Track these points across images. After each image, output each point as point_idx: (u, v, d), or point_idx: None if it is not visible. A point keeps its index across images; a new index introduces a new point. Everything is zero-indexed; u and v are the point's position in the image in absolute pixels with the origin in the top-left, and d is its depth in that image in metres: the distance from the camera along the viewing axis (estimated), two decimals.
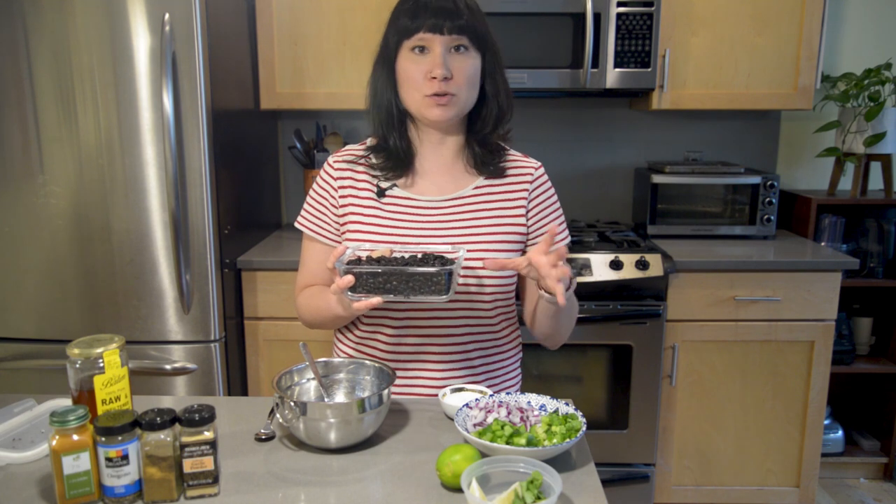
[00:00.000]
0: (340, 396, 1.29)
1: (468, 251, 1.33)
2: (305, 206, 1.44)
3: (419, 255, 1.23)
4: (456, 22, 1.25)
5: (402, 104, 1.34)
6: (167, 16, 2.03)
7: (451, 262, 1.19)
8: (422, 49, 1.28)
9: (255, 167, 2.65)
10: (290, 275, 2.37)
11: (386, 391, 1.16)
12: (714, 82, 2.57)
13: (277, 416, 1.14)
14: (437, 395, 1.36)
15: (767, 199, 2.63)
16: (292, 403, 1.11)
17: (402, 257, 1.23)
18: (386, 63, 1.33)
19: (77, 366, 1.07)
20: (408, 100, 1.32)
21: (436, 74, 1.26)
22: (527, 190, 1.39)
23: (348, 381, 1.30)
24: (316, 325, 1.42)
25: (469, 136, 1.38)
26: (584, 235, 2.57)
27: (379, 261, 1.21)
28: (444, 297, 1.17)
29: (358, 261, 1.21)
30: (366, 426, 1.15)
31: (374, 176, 1.38)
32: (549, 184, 1.43)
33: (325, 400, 1.26)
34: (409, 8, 1.28)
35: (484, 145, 1.38)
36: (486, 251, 1.33)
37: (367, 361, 1.30)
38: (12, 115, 2.13)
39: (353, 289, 1.19)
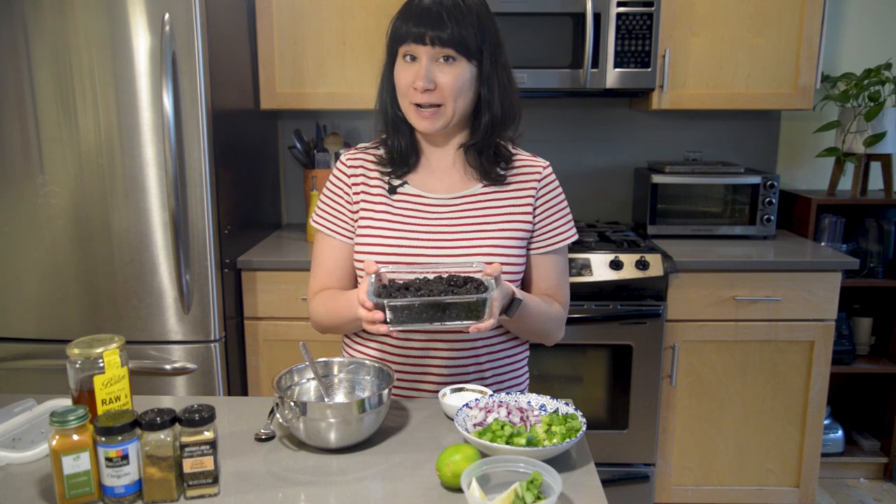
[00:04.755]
0: (340, 396, 1.29)
1: (477, 248, 1.34)
2: (319, 204, 1.45)
3: (444, 276, 1.21)
4: (438, 33, 1.26)
5: (399, 108, 1.36)
6: (167, 16, 2.03)
7: (483, 285, 1.17)
8: (412, 57, 1.30)
9: (255, 167, 2.65)
10: (290, 275, 2.37)
11: (386, 391, 1.16)
12: (714, 82, 2.57)
13: (277, 416, 1.14)
14: (439, 394, 1.36)
15: (767, 199, 2.63)
16: (292, 403, 1.11)
17: (426, 279, 1.21)
18: (387, 66, 1.36)
19: (77, 366, 1.08)
20: (401, 105, 1.35)
21: (417, 85, 1.28)
22: (534, 188, 1.40)
23: (348, 381, 1.30)
24: (331, 329, 1.42)
25: (468, 143, 1.39)
26: (584, 235, 2.57)
27: (409, 287, 1.18)
28: (482, 323, 1.15)
29: (386, 287, 1.19)
30: (366, 426, 1.15)
31: (384, 173, 1.40)
32: (556, 183, 1.43)
33: (325, 400, 1.26)
34: (402, 12, 1.31)
35: (482, 153, 1.38)
36: (494, 248, 1.34)
37: (367, 361, 1.30)
38: (12, 115, 2.13)
39: (387, 321, 1.16)
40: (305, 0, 2.52)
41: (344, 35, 2.55)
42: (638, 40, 2.46)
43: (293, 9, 2.53)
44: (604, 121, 2.94)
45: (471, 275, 1.21)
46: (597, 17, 2.43)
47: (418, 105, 1.30)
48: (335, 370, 1.30)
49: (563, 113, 2.93)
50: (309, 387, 1.27)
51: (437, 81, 1.28)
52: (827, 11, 2.67)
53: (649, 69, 2.48)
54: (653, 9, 2.43)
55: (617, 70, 2.48)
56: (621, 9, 2.43)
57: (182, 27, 2.05)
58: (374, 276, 1.21)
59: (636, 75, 2.49)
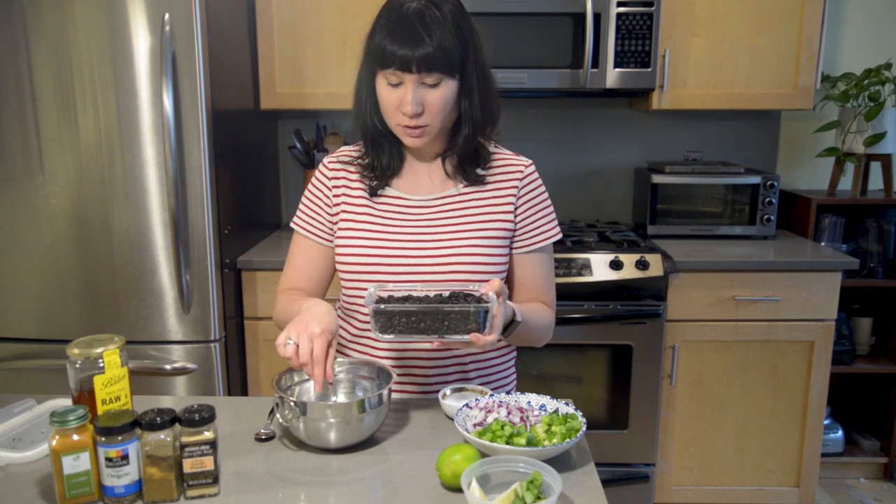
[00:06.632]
0: (340, 396, 1.29)
1: (458, 248, 1.34)
2: (300, 206, 1.46)
3: (445, 294, 1.19)
4: (423, 52, 1.21)
5: (381, 121, 1.34)
6: (167, 16, 2.03)
7: (483, 300, 1.15)
8: (397, 82, 1.26)
9: (255, 167, 2.65)
10: None
11: (386, 391, 1.16)
12: (714, 82, 2.57)
13: (277, 416, 1.14)
14: (427, 394, 1.36)
15: (767, 199, 2.63)
16: (292, 403, 1.11)
17: (428, 296, 1.19)
18: (367, 78, 1.32)
19: (77, 366, 1.08)
20: (386, 121, 1.33)
21: (405, 111, 1.25)
22: (516, 187, 1.39)
23: (348, 381, 1.30)
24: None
25: (447, 150, 1.38)
26: (584, 235, 2.57)
27: (408, 299, 1.17)
28: (485, 337, 1.14)
29: (385, 299, 1.18)
30: (366, 426, 1.15)
31: (366, 176, 1.40)
32: (538, 182, 1.42)
33: (328, 400, 1.25)
34: (381, 27, 1.25)
35: (463, 158, 1.37)
36: (475, 247, 1.34)
37: (367, 361, 1.30)
38: (12, 115, 2.13)
39: (382, 329, 1.15)
40: (305, 0, 2.52)
41: (344, 35, 2.55)
42: (638, 40, 2.46)
43: (293, 9, 2.53)
44: (604, 121, 2.94)
45: (471, 292, 1.19)
46: (597, 17, 2.43)
47: (406, 126, 1.29)
48: (335, 370, 1.30)
49: (563, 113, 2.93)
50: (309, 387, 1.27)
51: (424, 103, 1.26)
52: (827, 11, 2.67)
53: (649, 69, 2.48)
54: (653, 9, 2.43)
55: (617, 70, 2.48)
56: (621, 9, 2.43)
57: (182, 27, 2.05)
58: (373, 287, 1.21)
59: (636, 75, 2.49)
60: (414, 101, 1.25)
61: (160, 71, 2.05)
